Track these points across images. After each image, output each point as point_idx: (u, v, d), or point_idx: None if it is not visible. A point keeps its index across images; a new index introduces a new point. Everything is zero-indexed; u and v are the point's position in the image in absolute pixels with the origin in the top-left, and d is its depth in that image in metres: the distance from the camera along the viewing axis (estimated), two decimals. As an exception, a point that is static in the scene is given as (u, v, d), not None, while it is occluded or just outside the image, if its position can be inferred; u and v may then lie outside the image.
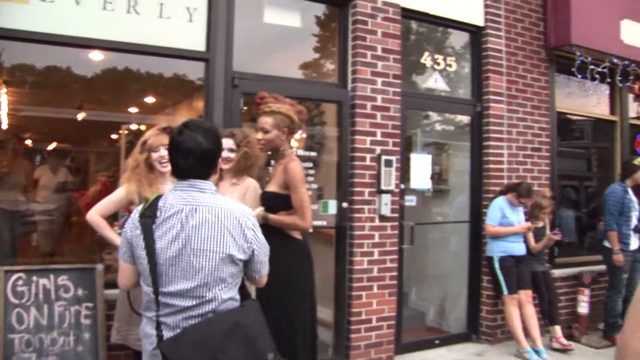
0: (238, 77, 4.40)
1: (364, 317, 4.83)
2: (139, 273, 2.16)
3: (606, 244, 5.86)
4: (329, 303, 4.90)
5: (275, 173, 3.37)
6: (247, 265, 2.21)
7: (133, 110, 5.05)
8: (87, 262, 4.08)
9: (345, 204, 4.78)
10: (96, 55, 4.32)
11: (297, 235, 3.34)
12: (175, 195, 2.14)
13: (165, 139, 3.25)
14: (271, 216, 3.26)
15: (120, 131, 5.32)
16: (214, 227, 2.08)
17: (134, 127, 5.15)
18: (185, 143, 2.11)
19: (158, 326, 2.06)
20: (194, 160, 2.12)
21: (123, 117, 5.09)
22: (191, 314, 2.05)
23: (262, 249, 2.25)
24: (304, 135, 4.96)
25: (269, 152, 3.56)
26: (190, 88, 4.89)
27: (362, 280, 4.82)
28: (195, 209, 2.09)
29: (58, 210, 5.02)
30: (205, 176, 2.17)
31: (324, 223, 4.84)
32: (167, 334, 2.05)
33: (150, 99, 5.13)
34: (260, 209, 3.28)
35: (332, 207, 4.81)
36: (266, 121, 3.30)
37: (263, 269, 2.30)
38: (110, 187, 5.10)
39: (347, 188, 4.87)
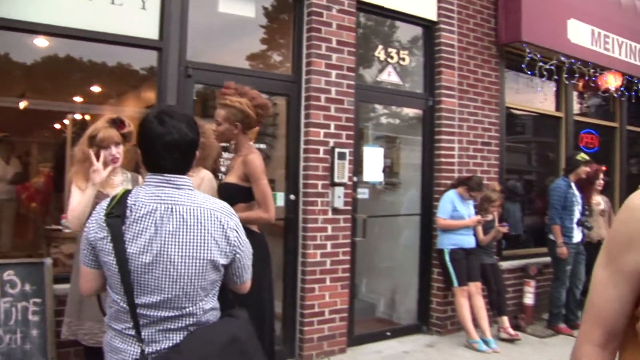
0: (192, 67, 4.40)
1: (316, 309, 4.94)
2: (105, 277, 1.94)
3: (551, 237, 6.16)
4: (277, 296, 4.94)
5: (235, 165, 3.42)
6: (229, 270, 2.03)
7: (78, 99, 4.95)
8: (31, 256, 3.99)
9: (292, 196, 4.84)
10: (41, 42, 4.23)
11: (255, 228, 3.39)
12: (147, 192, 1.91)
13: (115, 135, 3.22)
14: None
15: (66, 121, 5.21)
16: (193, 230, 1.88)
17: (79, 116, 5.05)
18: (170, 135, 1.90)
19: (132, 340, 1.86)
20: (179, 154, 1.93)
21: (68, 107, 4.98)
22: (169, 326, 1.87)
23: (246, 252, 2.07)
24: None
25: (227, 144, 3.58)
26: (140, 77, 4.86)
27: (315, 273, 4.94)
28: (172, 208, 1.88)
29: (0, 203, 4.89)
30: (183, 170, 1.97)
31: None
32: (145, 348, 1.85)
33: (97, 88, 5.05)
34: None
35: (280, 199, 4.87)
36: (218, 113, 3.37)
37: (245, 274, 2.11)
38: (53, 179, 5.01)
39: (298, 180, 4.97)
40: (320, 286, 4.99)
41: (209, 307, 1.94)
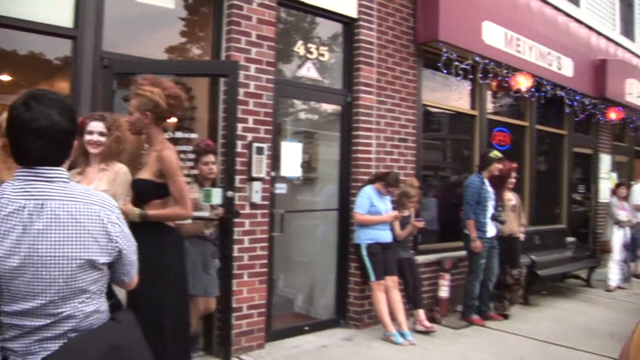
0: (108, 58, 4.39)
1: (234, 305, 5.04)
2: None
3: (466, 231, 6.55)
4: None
5: (149, 160, 3.47)
6: (113, 267, 1.94)
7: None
8: None
9: (230, 193, 4.69)
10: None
11: (171, 224, 3.46)
12: (14, 188, 1.76)
13: None
14: (150, 213, 3.38)
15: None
16: (67, 227, 1.75)
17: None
18: (36, 121, 1.75)
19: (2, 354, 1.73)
20: (47, 143, 1.77)
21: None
22: (46, 335, 1.73)
23: (131, 247, 1.98)
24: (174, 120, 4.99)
25: (143, 137, 3.61)
26: (54, 67, 4.81)
27: (233, 268, 5.00)
28: (42, 205, 1.74)
29: None
30: (56, 162, 1.82)
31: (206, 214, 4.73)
32: None
33: (6, 77, 4.94)
34: (137, 210, 3.37)
35: (217, 195, 4.70)
36: (130, 103, 3.45)
37: (133, 270, 2.03)
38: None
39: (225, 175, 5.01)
40: (238, 281, 5.10)
41: (90, 309, 1.82)
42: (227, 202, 4.62)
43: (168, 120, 3.80)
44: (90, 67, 4.31)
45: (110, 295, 1.99)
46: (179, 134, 4.71)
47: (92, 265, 1.80)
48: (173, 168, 3.36)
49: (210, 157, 4.72)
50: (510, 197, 7.39)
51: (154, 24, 5.16)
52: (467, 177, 6.97)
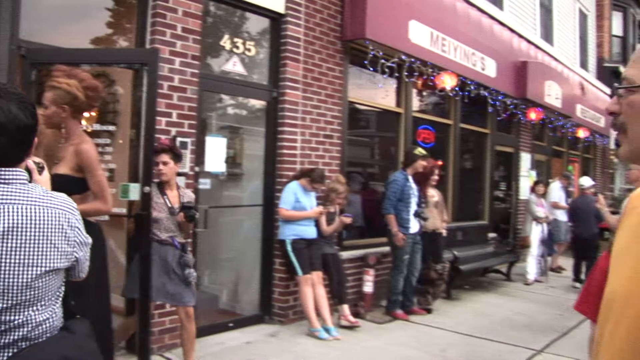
0: (26, 47, 4.27)
1: (158, 302, 4.98)
2: None
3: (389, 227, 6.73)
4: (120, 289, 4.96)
5: (66, 154, 3.42)
6: (70, 269, 1.88)
7: None
8: None
9: (147, 188, 4.56)
10: None
11: (92, 219, 3.42)
12: None
13: None
14: None
15: None
16: (26, 232, 1.66)
17: None
18: None
19: None
20: (5, 140, 1.66)
21: None
22: None
23: (86, 248, 1.93)
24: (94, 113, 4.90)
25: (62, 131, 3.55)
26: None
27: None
28: None
29: None
30: (14, 161, 1.72)
31: (123, 210, 4.70)
32: None
33: None
34: None
35: (135, 191, 4.53)
36: (45, 96, 3.38)
37: (86, 267, 1.98)
38: None
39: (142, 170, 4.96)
40: (159, 278, 5.06)
41: (44, 317, 1.73)
42: (145, 198, 4.55)
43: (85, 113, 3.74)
44: (6, 57, 4.19)
45: (65, 301, 1.89)
46: (97, 127, 4.63)
47: (51, 271, 1.72)
48: (92, 162, 3.34)
49: (162, 157, 4.51)
50: (433, 194, 7.67)
51: (79, 13, 5.07)
52: (391, 174, 7.16)
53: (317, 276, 6.10)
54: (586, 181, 10.26)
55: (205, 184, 5.73)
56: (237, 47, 6.04)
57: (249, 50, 6.17)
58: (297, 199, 5.97)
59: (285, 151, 6.30)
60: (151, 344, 4.96)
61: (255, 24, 6.32)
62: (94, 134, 4.49)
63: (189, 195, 4.69)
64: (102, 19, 5.20)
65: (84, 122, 4.07)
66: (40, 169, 2.04)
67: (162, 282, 4.44)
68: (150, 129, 4.64)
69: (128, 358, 4.93)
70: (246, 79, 6.18)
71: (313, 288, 6.03)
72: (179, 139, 5.17)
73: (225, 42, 5.95)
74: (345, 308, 6.38)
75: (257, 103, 6.46)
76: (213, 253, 6.39)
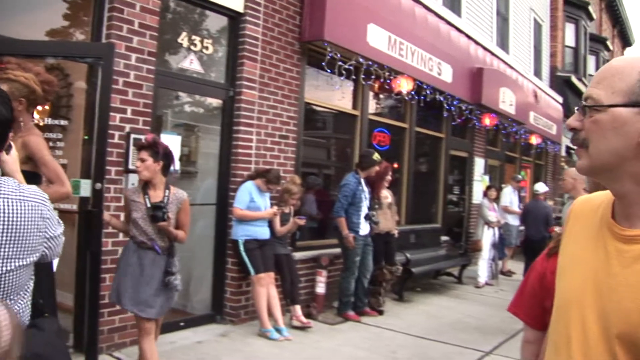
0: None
1: (107, 300, 4.96)
2: None
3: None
4: (69, 287, 4.93)
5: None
6: (41, 258, 1.87)
7: None
8: None
9: (99, 185, 4.53)
10: None
11: None
12: None
13: None
14: None
15: None
16: (1, 227, 1.66)
17: None
18: None
19: None
20: None
21: None
22: None
23: (60, 240, 1.94)
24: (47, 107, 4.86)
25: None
26: None
27: (107, 262, 4.99)
28: None
29: None
30: None
31: (73, 207, 4.71)
32: None
33: None
34: None
35: (86, 188, 4.52)
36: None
37: (59, 250, 1.98)
38: None
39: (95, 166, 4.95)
40: (110, 276, 5.03)
41: None
42: (96, 195, 4.53)
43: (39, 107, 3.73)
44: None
45: (34, 299, 1.87)
46: (49, 121, 4.60)
47: (22, 265, 1.72)
48: (39, 149, 3.34)
49: (141, 154, 4.27)
50: (387, 195, 7.82)
51: (33, 3, 5.01)
52: (344, 176, 7.29)
53: (269, 277, 6.17)
54: (541, 187, 10.59)
55: (159, 181, 5.72)
56: (195, 45, 6.06)
57: (206, 48, 6.20)
58: (251, 198, 6.02)
59: (240, 150, 6.35)
60: (100, 343, 4.96)
61: (214, 22, 6.36)
62: (46, 128, 4.48)
63: (177, 197, 4.36)
64: (58, 11, 5.16)
65: (36, 115, 4.06)
66: (8, 148, 2.04)
67: (135, 287, 4.20)
68: (103, 125, 4.63)
69: (75, 357, 4.91)
70: (203, 77, 6.20)
71: (266, 288, 6.09)
72: (133, 136, 5.17)
73: (183, 39, 5.96)
74: (298, 309, 6.46)
75: (214, 101, 6.50)
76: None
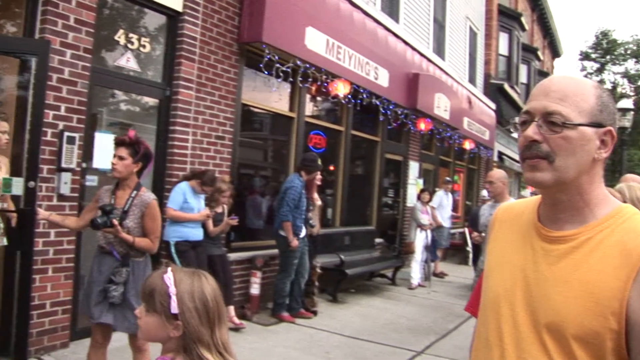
0: None
1: (37, 302, 4.96)
2: None
3: (282, 232, 6.92)
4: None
5: None
6: None
7: None
8: None
9: (32, 183, 4.50)
10: None
11: None
12: None
13: None
14: None
15: None
16: None
17: None
18: None
19: None
20: None
21: None
22: None
23: None
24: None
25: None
26: None
27: (37, 262, 4.94)
28: None
29: None
30: None
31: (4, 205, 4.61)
32: None
33: None
34: None
35: (17, 185, 4.46)
36: None
37: None
38: None
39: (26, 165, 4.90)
40: (41, 277, 5.02)
41: None
42: (28, 193, 4.48)
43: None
44: None
45: None
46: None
47: None
48: None
49: (119, 150, 4.10)
50: (317, 197, 7.97)
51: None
52: (287, 179, 7.39)
53: (203, 278, 6.17)
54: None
55: (92, 180, 5.70)
56: (132, 43, 6.05)
57: (144, 46, 6.20)
58: (185, 199, 6.04)
59: (176, 150, 6.37)
60: (29, 346, 4.91)
61: (152, 20, 6.37)
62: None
63: (142, 200, 4.15)
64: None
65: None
66: None
67: (98, 294, 4.03)
68: (36, 122, 4.61)
69: None
70: (139, 76, 6.20)
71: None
72: (66, 134, 5.13)
73: (120, 36, 5.95)
74: (231, 310, 6.54)
75: (150, 101, 6.49)
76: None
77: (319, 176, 7.77)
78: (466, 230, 14.80)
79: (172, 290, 1.78)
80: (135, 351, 4.20)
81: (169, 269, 1.83)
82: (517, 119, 1.75)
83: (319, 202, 8.01)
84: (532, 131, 1.38)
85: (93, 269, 4.13)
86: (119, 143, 4.12)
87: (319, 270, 7.87)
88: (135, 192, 4.12)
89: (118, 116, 6.46)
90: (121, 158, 4.07)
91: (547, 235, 1.43)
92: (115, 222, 3.94)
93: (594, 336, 1.28)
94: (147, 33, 6.31)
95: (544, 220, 1.46)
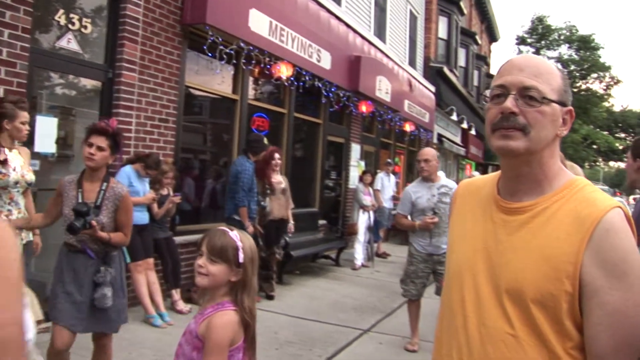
0: None
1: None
2: None
3: (236, 217, 6.91)
4: None
5: None
6: None
7: None
8: None
9: None
10: None
11: None
12: None
13: None
14: None
15: None
16: None
17: None
18: None
19: None
20: None
21: None
22: None
23: None
24: None
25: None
26: None
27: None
28: None
29: None
30: None
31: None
32: None
33: None
34: None
35: None
36: None
37: None
38: None
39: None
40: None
41: None
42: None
43: None
44: None
45: None
46: None
47: None
48: None
49: (99, 140, 3.81)
50: (280, 180, 8.04)
51: None
52: (236, 162, 7.35)
53: (146, 263, 6.20)
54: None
55: (34, 165, 5.58)
56: (73, 23, 5.96)
57: (85, 27, 6.11)
58: (130, 183, 5.99)
59: (120, 133, 6.32)
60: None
61: (93, 0, 6.27)
62: None
63: (115, 193, 3.91)
64: None
65: None
66: None
67: (71, 296, 3.80)
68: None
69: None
70: (81, 57, 6.13)
71: (144, 275, 6.16)
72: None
73: (60, 16, 5.84)
74: (176, 294, 6.57)
75: (92, 83, 6.43)
76: (42, 238, 6.27)
77: (277, 160, 7.79)
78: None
79: (240, 244, 2.38)
80: (100, 351, 4.06)
81: (234, 229, 2.45)
82: (487, 92, 1.89)
83: (281, 186, 7.99)
84: (510, 103, 1.46)
85: (62, 271, 3.88)
86: (99, 132, 3.83)
87: (278, 257, 7.94)
88: (105, 184, 3.89)
89: (59, 99, 6.36)
90: (101, 149, 3.80)
91: (506, 207, 1.54)
92: (94, 223, 3.70)
93: (550, 299, 1.39)
94: (88, 13, 6.22)
95: (503, 194, 1.58)
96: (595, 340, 1.37)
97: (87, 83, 6.47)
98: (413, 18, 17.83)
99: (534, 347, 1.41)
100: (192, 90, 7.79)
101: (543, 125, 1.47)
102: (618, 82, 44.02)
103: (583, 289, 1.38)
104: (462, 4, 21.11)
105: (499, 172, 1.64)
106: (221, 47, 7.34)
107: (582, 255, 1.38)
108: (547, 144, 1.50)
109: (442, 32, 20.34)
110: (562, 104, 1.51)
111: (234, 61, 7.69)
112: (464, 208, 1.72)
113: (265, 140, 7.41)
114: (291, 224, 8.26)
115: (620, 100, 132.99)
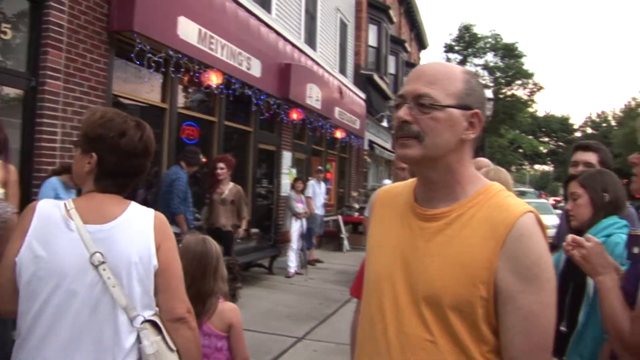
0: None
1: None
2: None
3: (173, 228, 6.84)
4: None
5: None
6: None
7: None
8: None
9: None
10: None
11: None
12: None
13: None
14: None
15: None
16: None
17: None
18: None
19: None
20: None
21: None
22: None
23: None
24: None
25: None
26: None
27: None
28: None
29: None
30: None
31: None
32: None
33: None
34: None
35: None
36: None
37: None
38: None
39: None
40: None
41: None
42: None
43: None
44: None
45: None
46: None
47: None
48: None
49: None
50: (223, 190, 8.06)
51: None
52: (169, 171, 7.38)
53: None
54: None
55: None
56: (-8, 30, 5.80)
57: (4, 33, 5.93)
58: (57, 195, 5.86)
59: (44, 144, 6.17)
60: None
61: (13, 5, 6.10)
62: None
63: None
64: None
65: None
66: None
67: None
68: None
69: None
70: (2, 65, 5.94)
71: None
72: None
73: (-22, 23, 5.68)
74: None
75: (13, 92, 6.23)
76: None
77: (219, 170, 7.87)
78: (340, 218, 15.40)
79: None
80: None
81: None
82: (392, 103, 1.94)
83: (223, 196, 8.05)
84: (403, 112, 1.49)
85: None
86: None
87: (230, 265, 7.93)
88: None
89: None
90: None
91: (423, 214, 1.54)
92: None
93: (466, 304, 1.41)
94: (8, 19, 6.05)
95: (420, 200, 1.58)
96: (511, 343, 1.41)
97: (8, 91, 6.27)
98: (343, 26, 18.08)
99: (453, 353, 1.43)
100: (120, 99, 7.63)
101: (438, 131, 1.47)
102: (541, 88, 45.95)
103: (498, 294, 1.41)
104: (391, 12, 21.55)
105: (416, 179, 1.65)
106: (149, 55, 7.27)
107: (496, 260, 1.41)
108: (449, 150, 1.50)
109: (372, 40, 20.70)
110: (465, 107, 1.50)
111: (163, 69, 7.63)
112: (382, 215, 1.71)
113: (201, 155, 7.42)
114: (241, 229, 8.33)
115: (543, 105, 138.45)
